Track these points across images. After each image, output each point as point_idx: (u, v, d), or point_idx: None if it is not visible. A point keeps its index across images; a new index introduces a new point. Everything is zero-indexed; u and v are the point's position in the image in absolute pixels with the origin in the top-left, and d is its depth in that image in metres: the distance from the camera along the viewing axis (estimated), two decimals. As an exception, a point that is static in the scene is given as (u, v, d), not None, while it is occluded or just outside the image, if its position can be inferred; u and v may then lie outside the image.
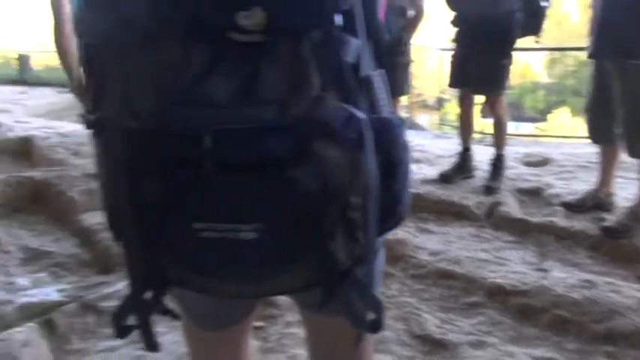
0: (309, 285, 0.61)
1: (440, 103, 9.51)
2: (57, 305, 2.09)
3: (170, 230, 0.57)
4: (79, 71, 2.17)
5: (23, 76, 12.47)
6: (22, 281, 2.35)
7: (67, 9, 2.13)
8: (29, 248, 2.70)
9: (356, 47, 0.56)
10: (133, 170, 0.54)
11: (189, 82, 0.53)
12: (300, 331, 1.87)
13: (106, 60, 0.57)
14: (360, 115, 0.53)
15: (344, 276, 0.58)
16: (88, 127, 0.59)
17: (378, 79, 0.60)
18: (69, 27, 2.16)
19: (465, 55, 3.06)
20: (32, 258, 2.61)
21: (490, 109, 3.17)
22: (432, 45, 8.49)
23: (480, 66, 2.93)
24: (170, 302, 0.70)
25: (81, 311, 2.04)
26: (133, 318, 0.63)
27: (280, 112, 0.52)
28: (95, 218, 2.92)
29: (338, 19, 0.54)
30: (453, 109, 8.30)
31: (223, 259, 0.57)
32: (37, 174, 3.53)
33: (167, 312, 0.68)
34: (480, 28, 2.88)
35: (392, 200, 0.61)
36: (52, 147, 4.12)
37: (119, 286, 2.18)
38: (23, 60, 13.41)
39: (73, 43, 2.16)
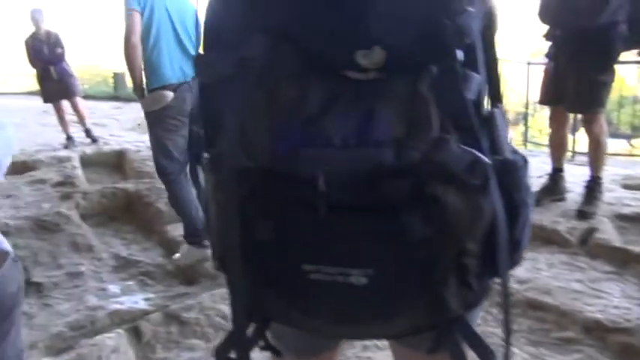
0: (418, 331, 0.57)
1: (522, 118, 9.06)
2: (143, 314, 2.18)
3: (278, 269, 0.56)
4: (141, 75, 2.44)
5: (118, 92, 13.46)
6: (113, 288, 2.49)
7: (138, 23, 2.39)
8: (120, 256, 2.86)
9: (477, 83, 0.52)
10: (245, 208, 0.53)
11: (304, 122, 0.52)
12: (376, 356, 1.82)
13: (223, 99, 0.56)
14: (486, 159, 0.49)
15: (454, 322, 0.55)
16: (202, 163, 0.60)
17: (500, 115, 0.56)
18: (136, 38, 2.39)
19: (560, 70, 2.86)
20: (122, 266, 2.76)
21: (586, 127, 2.95)
22: (515, 59, 8.14)
23: (577, 83, 2.72)
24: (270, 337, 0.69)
25: (165, 321, 2.11)
26: (234, 352, 0.62)
27: (398, 153, 0.50)
28: (179, 230, 3.05)
29: (460, 54, 0.51)
30: (535, 125, 7.87)
31: (331, 302, 0.55)
32: (129, 186, 3.76)
33: (268, 347, 0.67)
34: (579, 41, 2.68)
35: (511, 246, 0.56)
36: (143, 160, 4.37)
37: (202, 297, 2.24)
38: (118, 78, 14.48)
39: (138, 52, 2.40)
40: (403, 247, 0.50)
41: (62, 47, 5.61)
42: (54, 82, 5.43)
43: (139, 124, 8.97)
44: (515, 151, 0.57)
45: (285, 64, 0.53)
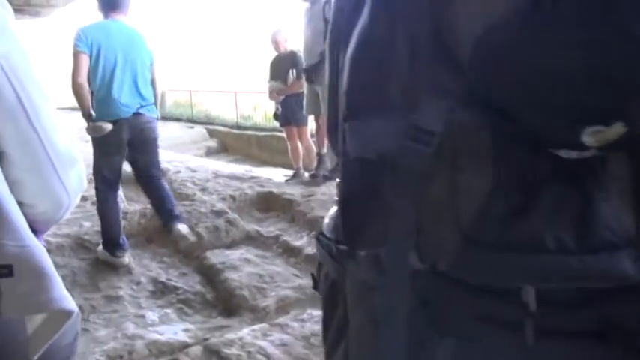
0: None
1: None
2: (183, 346, 2.10)
3: None
4: (89, 107, 2.83)
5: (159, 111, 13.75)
6: (151, 315, 2.41)
7: (84, 64, 2.75)
8: (158, 281, 2.80)
9: None
10: (414, 322, 0.43)
11: (500, 218, 0.40)
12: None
13: (382, 179, 0.45)
14: None
15: None
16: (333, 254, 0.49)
17: None
18: (82, 79, 2.76)
19: None
20: (160, 291, 2.70)
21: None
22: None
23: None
24: None
25: (205, 356, 2.01)
26: None
27: (631, 259, 0.38)
28: (218, 257, 2.98)
29: None
30: None
31: None
32: (168, 207, 3.73)
33: None
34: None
35: None
36: (183, 182, 4.36)
37: (242, 332, 2.14)
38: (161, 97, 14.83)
39: (85, 90, 2.80)
40: None
41: None
42: None
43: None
44: None
45: (478, 140, 0.41)
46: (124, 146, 2.89)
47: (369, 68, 0.48)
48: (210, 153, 9.93)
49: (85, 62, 2.74)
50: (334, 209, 0.58)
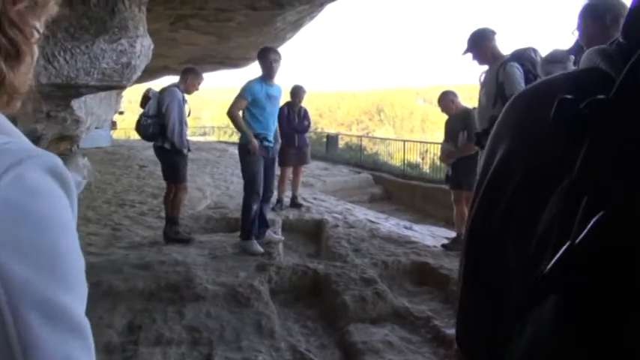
0: None
1: None
2: None
3: None
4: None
5: (329, 153, 14.39)
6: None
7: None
8: (297, 350, 2.71)
9: None
10: None
11: None
12: None
13: None
14: None
15: None
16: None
17: None
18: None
19: None
20: (297, 363, 2.60)
21: None
22: None
23: None
24: None
25: None
26: None
27: None
28: (361, 334, 2.79)
29: None
30: None
31: None
32: (320, 267, 3.69)
33: None
34: None
35: None
36: (338, 239, 4.32)
37: None
38: (332, 139, 15.57)
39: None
40: None
41: (309, 120, 6.16)
42: (294, 149, 5.85)
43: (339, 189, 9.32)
44: None
45: None
46: None
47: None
48: (373, 200, 9.93)
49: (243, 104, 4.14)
50: None
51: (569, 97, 0.39)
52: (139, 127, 4.36)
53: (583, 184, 0.37)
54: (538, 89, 0.54)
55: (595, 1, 1.97)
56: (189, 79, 4.44)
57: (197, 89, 4.55)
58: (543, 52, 3.22)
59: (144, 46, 4.02)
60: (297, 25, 6.76)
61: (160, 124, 4.25)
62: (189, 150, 4.48)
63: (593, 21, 1.95)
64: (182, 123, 4.28)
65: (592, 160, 0.37)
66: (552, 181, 0.41)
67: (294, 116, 5.95)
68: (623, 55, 0.43)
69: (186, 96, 4.49)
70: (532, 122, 0.47)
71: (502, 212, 0.47)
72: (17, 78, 0.44)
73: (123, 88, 4.67)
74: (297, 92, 6.02)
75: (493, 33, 3.50)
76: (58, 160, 0.44)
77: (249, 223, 4.04)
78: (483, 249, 0.51)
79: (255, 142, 3.93)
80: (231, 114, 4.07)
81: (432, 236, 4.97)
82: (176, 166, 4.37)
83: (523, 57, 3.21)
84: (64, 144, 6.59)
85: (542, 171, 0.44)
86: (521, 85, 3.13)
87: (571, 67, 2.90)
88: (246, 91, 4.02)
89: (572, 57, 2.90)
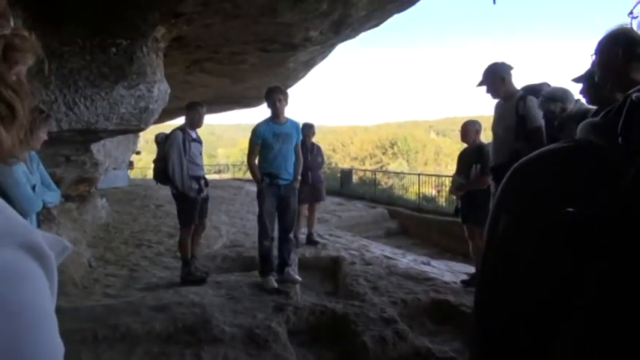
0: None
1: None
2: None
3: None
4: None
5: (344, 188, 14.39)
6: None
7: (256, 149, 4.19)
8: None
9: None
10: None
11: None
12: None
13: None
14: None
15: None
16: None
17: None
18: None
19: None
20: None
21: None
22: None
23: None
24: None
25: None
26: None
27: None
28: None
29: None
30: None
31: None
32: (338, 306, 3.63)
33: None
34: None
35: None
36: (356, 277, 4.26)
37: None
38: (345, 174, 15.60)
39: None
40: None
41: (322, 157, 6.22)
42: (308, 186, 5.85)
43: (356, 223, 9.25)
44: None
45: None
46: None
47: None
48: (389, 234, 9.84)
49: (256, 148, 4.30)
50: None
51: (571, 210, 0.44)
52: (153, 171, 4.65)
53: None
54: (533, 164, 0.56)
55: (614, 32, 1.99)
56: (188, 116, 4.55)
57: (201, 122, 4.58)
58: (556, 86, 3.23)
59: (161, 91, 4.13)
60: (309, 65, 6.90)
61: (164, 168, 4.35)
62: (199, 192, 4.45)
63: (608, 49, 1.98)
64: (182, 166, 4.30)
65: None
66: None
67: (306, 154, 6.00)
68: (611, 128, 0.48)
69: (200, 132, 4.59)
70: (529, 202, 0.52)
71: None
72: (11, 138, 0.43)
73: (141, 130, 4.77)
74: (305, 130, 6.08)
75: (510, 68, 3.52)
76: (36, 235, 0.41)
77: (261, 259, 4.21)
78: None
79: (261, 183, 4.12)
80: (248, 162, 4.32)
81: (450, 272, 4.88)
82: (179, 209, 4.50)
83: (539, 92, 3.22)
84: (83, 186, 6.70)
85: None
86: (542, 119, 3.13)
87: (569, 106, 2.90)
88: (255, 135, 4.18)
89: (572, 96, 2.91)
